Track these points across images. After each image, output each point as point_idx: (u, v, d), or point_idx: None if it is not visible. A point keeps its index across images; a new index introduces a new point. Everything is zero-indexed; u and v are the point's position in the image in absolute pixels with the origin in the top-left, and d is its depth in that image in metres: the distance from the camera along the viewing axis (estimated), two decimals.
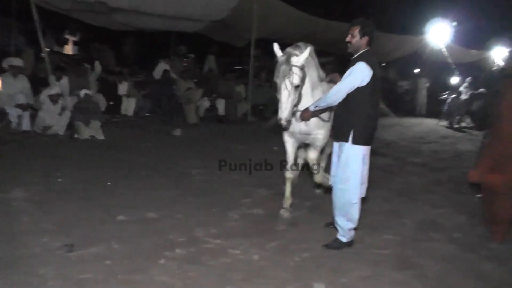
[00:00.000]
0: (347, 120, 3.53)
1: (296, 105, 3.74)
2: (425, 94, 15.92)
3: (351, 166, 3.51)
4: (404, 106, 15.73)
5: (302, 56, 3.62)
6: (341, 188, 3.57)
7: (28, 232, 3.55)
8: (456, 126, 12.70)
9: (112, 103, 8.18)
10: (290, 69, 3.56)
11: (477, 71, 14.97)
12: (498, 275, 3.41)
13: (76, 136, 6.74)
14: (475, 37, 15.66)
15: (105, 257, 3.22)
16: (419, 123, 13.70)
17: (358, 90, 3.43)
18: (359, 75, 3.39)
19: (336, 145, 3.74)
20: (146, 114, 9.09)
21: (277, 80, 3.65)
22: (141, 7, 8.76)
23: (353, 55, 3.55)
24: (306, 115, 3.77)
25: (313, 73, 3.97)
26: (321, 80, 4.15)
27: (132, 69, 10.36)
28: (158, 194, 4.75)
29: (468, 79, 13.23)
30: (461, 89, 13.14)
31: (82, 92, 6.80)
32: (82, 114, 6.60)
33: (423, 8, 15.53)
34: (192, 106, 8.99)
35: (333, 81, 4.14)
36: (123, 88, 8.60)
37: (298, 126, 4.05)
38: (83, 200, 4.37)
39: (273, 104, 11.14)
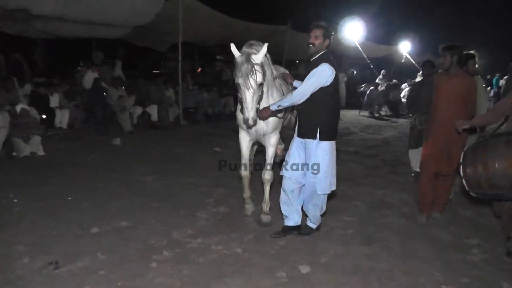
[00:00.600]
0: (313, 118, 3.68)
1: (258, 103, 3.73)
2: (344, 87, 17.09)
3: (318, 160, 3.69)
4: None
5: (261, 53, 3.62)
6: (310, 182, 3.76)
7: (3, 256, 3.43)
8: (376, 115, 13.92)
9: (44, 116, 7.77)
10: (252, 67, 3.54)
11: (387, 64, 16.49)
12: (443, 237, 4.08)
13: (14, 154, 6.36)
14: (383, 33, 17.16)
15: (97, 269, 3.26)
16: (341, 115, 14.68)
17: (323, 89, 3.58)
18: (323, 75, 3.53)
19: (299, 140, 3.87)
20: (81, 126, 8.76)
21: (239, 80, 3.58)
22: (66, 14, 8.45)
23: (312, 56, 3.71)
24: (266, 114, 3.77)
25: (268, 70, 3.93)
26: (274, 78, 4.18)
27: (58, 80, 9.89)
28: (123, 203, 4.76)
29: (382, 71, 14.55)
30: (377, 81, 14.40)
31: (19, 107, 6.41)
32: (21, 130, 6.24)
33: (338, 8, 16.64)
34: (126, 114, 8.86)
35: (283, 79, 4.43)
36: (54, 100, 8.21)
37: (258, 125, 4.04)
38: (49, 217, 4.24)
39: (203, 106, 11.42)
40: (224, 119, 11.88)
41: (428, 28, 19.83)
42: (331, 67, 3.56)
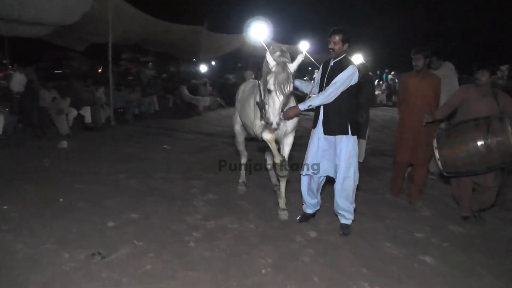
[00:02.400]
0: (343, 115, 3.97)
1: (283, 109, 3.93)
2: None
3: (352, 154, 4.01)
4: (233, 97, 17.64)
5: (295, 63, 3.84)
6: (345, 176, 4.04)
7: (37, 255, 3.52)
8: None
9: None
10: (288, 77, 3.72)
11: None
12: (401, 203, 5.09)
13: None
14: (287, 33, 18.54)
15: (144, 252, 3.60)
16: None
17: (349, 89, 3.92)
18: (352, 76, 3.88)
19: (325, 138, 4.09)
20: (14, 131, 8.23)
21: (273, 87, 3.72)
22: None
23: (333, 59, 4.03)
24: (293, 113, 4.03)
25: None
26: None
27: None
28: (117, 200, 4.93)
29: None
30: None
31: None
32: None
33: (245, 10, 17.55)
34: (63, 116, 8.60)
35: None
36: None
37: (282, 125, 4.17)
38: (55, 218, 4.29)
39: (132, 106, 11.41)
40: (150, 119, 12.04)
41: (324, 28, 21.91)
42: (356, 68, 3.93)
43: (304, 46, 18.78)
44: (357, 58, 6.72)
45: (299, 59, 3.84)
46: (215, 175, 6.19)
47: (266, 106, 3.85)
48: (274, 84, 3.72)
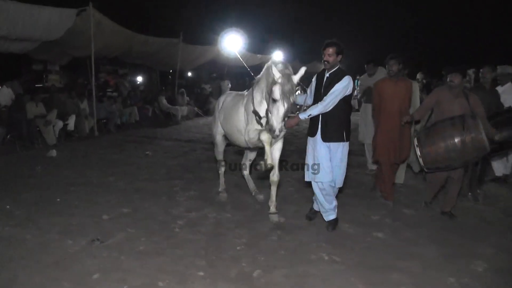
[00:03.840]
0: (340, 123, 4.29)
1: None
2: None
3: (343, 159, 4.39)
4: (210, 106, 18.33)
5: (298, 75, 4.12)
6: (335, 179, 4.41)
7: (45, 242, 4.12)
8: None
9: None
10: (293, 87, 4.01)
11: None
12: (380, 202, 5.58)
13: None
14: (259, 43, 19.40)
15: (137, 237, 4.25)
16: None
17: (344, 98, 4.24)
18: (348, 86, 4.20)
19: (324, 144, 4.34)
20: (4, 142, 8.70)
21: (278, 97, 3.97)
22: None
23: (328, 70, 4.30)
24: (294, 122, 4.29)
25: None
26: None
27: None
28: (108, 198, 5.53)
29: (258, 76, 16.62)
30: None
31: None
32: None
33: (218, 22, 18.30)
34: (50, 127, 9.12)
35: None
36: None
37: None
38: (55, 214, 4.88)
39: (114, 117, 11.94)
40: (131, 128, 12.61)
41: (297, 38, 23.03)
42: (351, 78, 4.25)
43: (278, 56, 19.73)
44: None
45: (302, 71, 4.16)
46: (195, 175, 6.88)
47: (270, 115, 4.10)
48: (280, 94, 3.98)
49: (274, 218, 4.82)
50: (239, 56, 18.10)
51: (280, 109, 4.01)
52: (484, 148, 4.62)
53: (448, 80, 4.93)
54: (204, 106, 17.20)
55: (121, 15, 11.94)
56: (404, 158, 5.56)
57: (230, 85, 18.85)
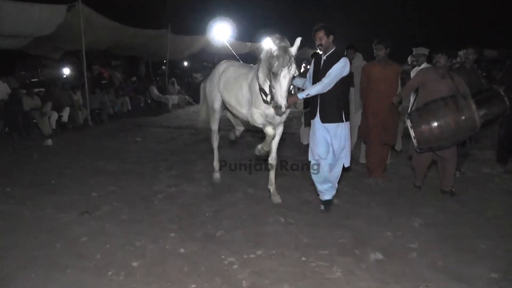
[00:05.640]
0: (338, 104, 4.36)
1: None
2: None
3: (346, 138, 4.50)
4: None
5: (295, 46, 4.10)
6: (338, 159, 4.55)
7: (41, 216, 4.75)
8: None
9: None
10: (290, 59, 3.96)
11: (253, 58, 19.19)
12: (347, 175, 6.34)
13: None
14: (248, 32, 19.84)
15: (121, 209, 4.90)
16: None
17: (342, 79, 4.30)
18: (345, 67, 4.26)
19: (322, 125, 4.44)
20: (1, 135, 9.31)
21: (277, 70, 3.95)
22: None
23: (324, 53, 4.38)
24: (292, 100, 4.30)
25: None
26: None
27: None
28: (99, 179, 6.15)
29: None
30: None
31: None
32: None
33: (207, 12, 18.76)
34: (45, 119, 9.73)
35: None
36: None
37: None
38: (51, 193, 5.51)
39: (107, 107, 12.53)
40: (124, 118, 13.21)
41: (284, 26, 23.41)
42: (348, 60, 4.35)
43: (266, 43, 20.17)
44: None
45: (297, 42, 4.12)
46: (180, 157, 7.52)
47: (274, 90, 4.10)
48: (278, 66, 3.96)
49: (277, 199, 5.02)
50: (228, 45, 18.67)
51: (282, 82, 4.00)
52: (476, 127, 4.73)
53: (434, 61, 5.08)
54: (195, 94, 17.75)
55: (109, 8, 12.42)
56: (391, 139, 5.71)
57: None
